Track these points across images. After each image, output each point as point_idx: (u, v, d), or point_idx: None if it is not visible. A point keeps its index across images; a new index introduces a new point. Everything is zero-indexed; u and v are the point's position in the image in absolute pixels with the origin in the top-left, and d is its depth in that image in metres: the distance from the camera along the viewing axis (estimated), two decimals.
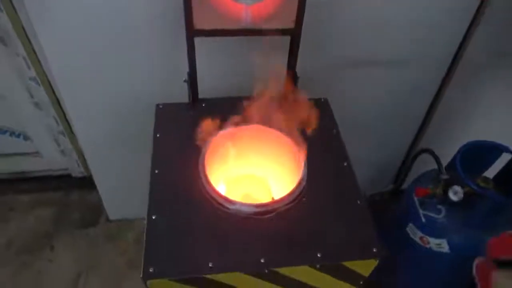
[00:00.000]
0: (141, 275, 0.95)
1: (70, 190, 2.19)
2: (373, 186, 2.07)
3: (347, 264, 1.03)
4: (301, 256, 1.01)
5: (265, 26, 1.21)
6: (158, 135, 1.24)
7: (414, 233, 1.48)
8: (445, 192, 1.36)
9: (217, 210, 1.07)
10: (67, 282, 1.90)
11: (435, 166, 1.45)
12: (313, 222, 1.08)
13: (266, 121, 1.26)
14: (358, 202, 1.13)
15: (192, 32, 1.18)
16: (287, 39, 1.27)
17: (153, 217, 1.05)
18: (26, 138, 1.99)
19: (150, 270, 0.95)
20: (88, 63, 1.42)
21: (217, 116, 1.25)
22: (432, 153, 1.46)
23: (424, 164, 1.59)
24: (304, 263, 1.00)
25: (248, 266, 0.98)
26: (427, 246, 1.46)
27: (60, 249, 2.01)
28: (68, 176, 2.18)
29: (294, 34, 1.24)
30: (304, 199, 1.12)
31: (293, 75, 1.34)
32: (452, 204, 1.36)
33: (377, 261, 1.04)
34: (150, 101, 1.38)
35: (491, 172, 1.47)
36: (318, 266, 1.01)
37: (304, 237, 1.05)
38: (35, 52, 1.59)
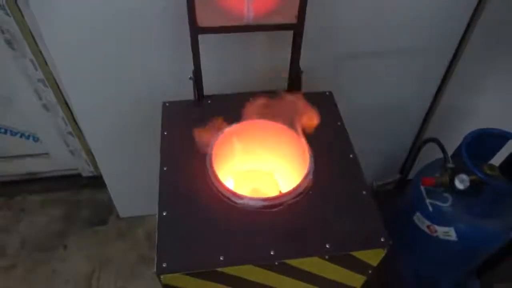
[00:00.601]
0: (154, 270, 0.98)
1: (80, 189, 2.23)
2: (379, 177, 2.08)
3: (356, 254, 1.05)
4: (310, 248, 1.03)
5: (267, 21, 1.22)
6: (165, 133, 1.26)
7: (422, 222, 1.49)
8: (452, 181, 1.37)
9: (225, 205, 1.09)
10: (81, 279, 1.94)
11: (441, 156, 1.46)
12: (320, 214, 1.10)
13: (271, 116, 1.27)
14: (364, 193, 1.15)
15: (195, 30, 1.20)
16: (290, 34, 1.28)
17: (164, 214, 1.07)
18: (35, 139, 2.02)
19: (164, 265, 0.97)
20: (93, 64, 1.44)
21: (223, 112, 1.27)
22: (437, 142, 1.47)
23: (429, 154, 1.60)
24: (313, 255, 1.02)
25: (258, 259, 1.00)
26: (435, 234, 1.47)
27: (73, 247, 2.04)
28: (78, 175, 2.21)
29: (296, 29, 1.25)
30: (311, 192, 1.13)
31: (296, 70, 1.35)
32: (458, 192, 1.37)
33: (385, 250, 1.06)
34: (156, 99, 1.40)
35: (496, 160, 1.47)
36: (327, 257, 1.03)
37: (312, 229, 1.07)
38: (42, 54, 1.61)
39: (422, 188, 1.49)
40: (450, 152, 1.44)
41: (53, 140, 2.00)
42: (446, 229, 1.43)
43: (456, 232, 1.41)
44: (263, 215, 1.08)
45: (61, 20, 1.31)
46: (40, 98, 1.77)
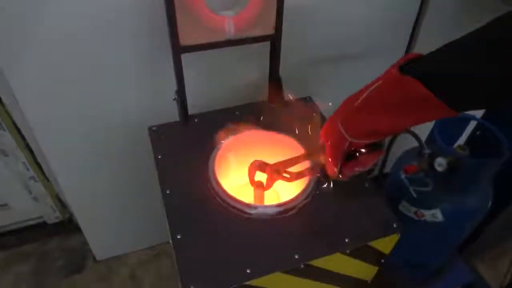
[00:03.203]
0: None
1: (48, 238, 2.05)
2: None
3: (373, 243, 1.08)
4: (331, 245, 1.04)
5: (247, 34, 1.25)
6: (159, 156, 1.22)
7: (408, 209, 1.57)
8: (431, 165, 1.47)
9: (239, 217, 1.08)
10: None
11: (405, 148, 1.57)
12: (332, 211, 1.12)
13: (262, 126, 1.29)
14: (367, 185, 1.20)
15: (178, 49, 1.19)
16: (264, 46, 1.32)
17: (178, 237, 1.03)
18: None
19: None
20: (65, 101, 1.37)
21: (212, 129, 1.26)
22: (411, 132, 1.57)
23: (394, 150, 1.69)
24: (335, 251, 1.03)
25: (285, 264, 0.99)
26: (422, 219, 1.55)
27: None
28: (43, 224, 2.04)
29: (275, 39, 1.29)
30: (317, 192, 1.15)
31: (276, 78, 1.39)
32: (438, 175, 1.47)
33: (398, 235, 1.10)
34: (131, 129, 1.37)
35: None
36: (348, 251, 1.05)
37: (328, 227, 1.09)
38: None
39: (403, 177, 1.58)
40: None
41: (13, 189, 1.83)
42: (432, 211, 1.52)
43: (442, 212, 1.51)
44: (278, 221, 1.08)
45: (28, 62, 1.23)
46: None
